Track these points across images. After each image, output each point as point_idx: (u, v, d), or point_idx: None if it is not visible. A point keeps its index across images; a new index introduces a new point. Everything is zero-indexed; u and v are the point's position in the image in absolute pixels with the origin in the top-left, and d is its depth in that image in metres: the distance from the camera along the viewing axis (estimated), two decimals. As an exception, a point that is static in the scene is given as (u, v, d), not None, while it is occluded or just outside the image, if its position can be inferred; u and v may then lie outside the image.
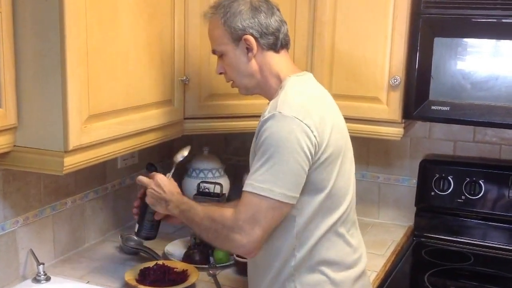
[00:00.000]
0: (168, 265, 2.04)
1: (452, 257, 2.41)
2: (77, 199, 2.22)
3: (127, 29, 1.74)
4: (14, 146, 1.60)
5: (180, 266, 2.06)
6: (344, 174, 1.65)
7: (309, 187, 1.56)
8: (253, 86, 1.72)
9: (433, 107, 2.14)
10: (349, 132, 1.74)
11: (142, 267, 2.02)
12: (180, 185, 1.86)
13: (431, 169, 2.53)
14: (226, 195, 2.46)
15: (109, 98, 1.70)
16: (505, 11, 2.02)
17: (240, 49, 1.68)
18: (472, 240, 2.49)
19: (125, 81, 1.76)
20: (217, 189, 2.32)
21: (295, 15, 2.21)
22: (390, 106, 2.19)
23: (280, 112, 1.52)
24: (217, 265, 2.11)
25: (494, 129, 2.47)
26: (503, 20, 2.03)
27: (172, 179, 1.84)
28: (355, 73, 2.21)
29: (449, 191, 2.49)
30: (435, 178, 2.51)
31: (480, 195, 2.45)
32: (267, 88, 1.70)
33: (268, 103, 1.65)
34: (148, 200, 1.79)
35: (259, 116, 1.61)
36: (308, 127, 1.52)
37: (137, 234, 1.92)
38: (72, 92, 1.53)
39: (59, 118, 1.54)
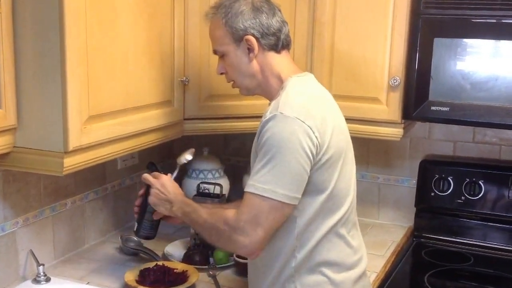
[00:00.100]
0: (168, 266, 2.04)
1: (452, 257, 2.41)
2: (77, 200, 2.21)
3: (127, 29, 1.74)
4: (14, 147, 1.60)
5: (180, 267, 2.05)
6: (345, 175, 1.65)
7: (310, 188, 1.56)
8: (254, 86, 1.72)
9: (432, 108, 2.14)
10: (349, 133, 1.74)
11: (142, 268, 2.02)
12: (180, 186, 1.86)
13: (431, 169, 2.53)
14: (226, 195, 2.45)
15: (109, 98, 1.70)
16: (505, 12, 2.02)
17: (241, 50, 1.68)
18: (472, 241, 2.49)
19: (124, 81, 1.76)
20: (217, 190, 2.32)
21: (295, 15, 2.21)
22: (389, 106, 2.19)
23: (281, 113, 1.52)
24: (217, 266, 2.11)
25: (493, 130, 2.47)
26: (503, 21, 2.03)
27: (174, 181, 1.83)
28: (355, 73, 2.21)
29: (449, 191, 2.49)
30: (435, 178, 2.51)
31: (480, 195, 2.45)
32: (268, 89, 1.70)
33: (269, 104, 1.65)
34: (151, 200, 1.79)
35: (259, 117, 1.61)
36: (310, 128, 1.52)
37: (136, 233, 1.91)
38: (72, 92, 1.53)
39: (59, 119, 1.54)
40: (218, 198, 2.28)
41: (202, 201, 2.08)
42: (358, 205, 1.77)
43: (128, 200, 2.45)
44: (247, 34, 1.66)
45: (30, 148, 1.59)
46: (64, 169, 1.57)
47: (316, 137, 1.53)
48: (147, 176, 1.82)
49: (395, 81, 2.15)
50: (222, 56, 1.73)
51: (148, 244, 2.15)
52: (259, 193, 1.51)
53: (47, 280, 1.94)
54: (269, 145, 1.51)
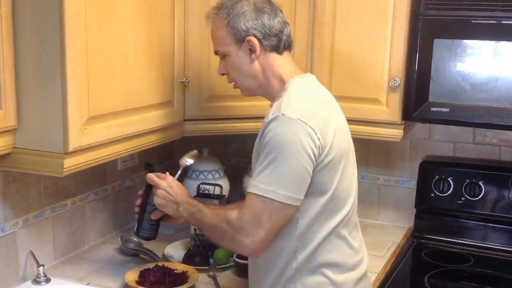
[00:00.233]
0: (168, 267, 2.04)
1: (452, 258, 2.41)
2: (77, 200, 2.21)
3: (127, 30, 1.74)
4: (14, 147, 1.60)
5: (180, 267, 2.05)
6: (347, 176, 1.65)
7: (312, 190, 1.56)
8: (256, 87, 1.72)
9: (432, 109, 2.14)
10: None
11: (142, 269, 2.02)
12: (180, 186, 1.86)
13: (431, 170, 2.53)
14: (226, 196, 2.45)
15: (109, 99, 1.69)
16: (505, 13, 2.01)
17: (243, 50, 1.68)
18: (472, 242, 2.49)
19: (124, 82, 1.76)
20: (217, 191, 2.32)
21: (295, 15, 2.21)
22: (389, 107, 2.19)
23: (283, 114, 1.52)
24: (217, 267, 2.11)
25: (493, 131, 2.47)
26: (503, 22, 2.03)
27: (178, 182, 1.83)
28: (355, 74, 2.21)
29: (449, 192, 2.49)
30: (435, 179, 2.50)
31: (480, 196, 2.45)
32: (269, 90, 1.70)
33: (271, 105, 1.65)
34: (157, 200, 1.77)
35: (259, 118, 1.61)
36: (312, 129, 1.52)
37: (136, 234, 1.91)
38: (72, 93, 1.53)
39: (59, 120, 1.53)
40: (218, 199, 2.28)
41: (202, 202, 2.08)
42: (358, 206, 1.77)
43: (128, 201, 2.45)
44: (249, 35, 1.66)
45: (30, 149, 1.59)
46: (64, 170, 1.57)
47: (318, 138, 1.53)
48: (152, 176, 1.80)
49: (395, 82, 2.15)
50: (223, 56, 1.73)
51: (148, 245, 2.15)
52: (261, 194, 1.51)
53: (47, 280, 1.94)
54: (271, 146, 1.51)
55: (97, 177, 2.30)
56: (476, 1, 2.05)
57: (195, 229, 2.24)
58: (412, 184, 2.60)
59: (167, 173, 1.83)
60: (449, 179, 2.49)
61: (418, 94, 2.15)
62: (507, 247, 2.43)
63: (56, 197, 2.10)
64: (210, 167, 2.52)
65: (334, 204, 1.61)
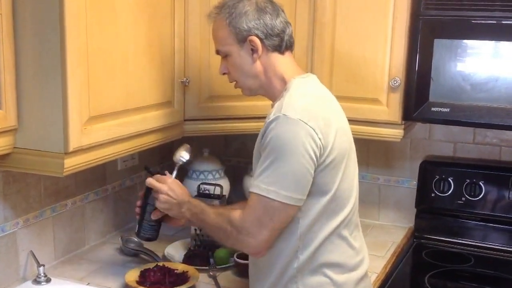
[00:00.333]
0: (169, 267, 2.04)
1: (452, 258, 2.41)
2: (77, 200, 2.21)
3: (127, 30, 1.74)
4: (14, 147, 1.60)
5: (180, 267, 2.05)
6: (348, 176, 1.65)
7: (313, 190, 1.56)
8: (257, 87, 1.72)
9: (433, 109, 2.14)
10: (350, 134, 1.74)
11: (142, 269, 2.01)
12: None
13: (431, 170, 2.53)
14: (226, 196, 2.45)
15: (109, 99, 1.69)
16: (505, 13, 2.02)
17: (245, 50, 1.67)
18: (472, 242, 2.49)
19: (125, 82, 1.76)
20: (217, 191, 2.32)
21: (295, 16, 2.21)
22: (390, 107, 2.19)
23: (285, 115, 1.52)
24: (217, 267, 2.11)
25: (494, 131, 2.47)
26: (503, 22, 2.03)
27: (178, 182, 1.83)
28: (355, 74, 2.21)
29: (449, 192, 2.49)
30: (435, 179, 2.50)
31: (480, 196, 2.45)
32: (270, 90, 1.70)
33: (272, 105, 1.65)
34: (160, 205, 1.76)
35: (260, 118, 1.61)
36: (313, 129, 1.52)
37: (137, 235, 1.90)
38: (72, 93, 1.53)
39: (59, 120, 1.53)
40: (218, 199, 2.28)
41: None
42: (359, 206, 1.77)
43: (129, 201, 2.45)
44: (251, 35, 1.65)
45: (30, 149, 1.59)
46: (65, 170, 1.57)
47: (319, 138, 1.53)
48: (152, 181, 1.79)
49: (395, 82, 2.15)
50: (225, 56, 1.73)
51: (148, 245, 2.14)
52: (263, 194, 1.51)
53: (48, 280, 1.94)
54: (272, 147, 1.51)
55: (97, 177, 2.30)
56: (476, 1, 2.05)
57: (195, 229, 2.24)
58: (412, 184, 2.60)
59: (166, 172, 1.83)
60: (449, 179, 2.49)
61: (418, 94, 2.15)
62: (507, 247, 2.43)
63: (56, 197, 2.10)
64: (211, 167, 2.52)
65: (335, 204, 1.61)
